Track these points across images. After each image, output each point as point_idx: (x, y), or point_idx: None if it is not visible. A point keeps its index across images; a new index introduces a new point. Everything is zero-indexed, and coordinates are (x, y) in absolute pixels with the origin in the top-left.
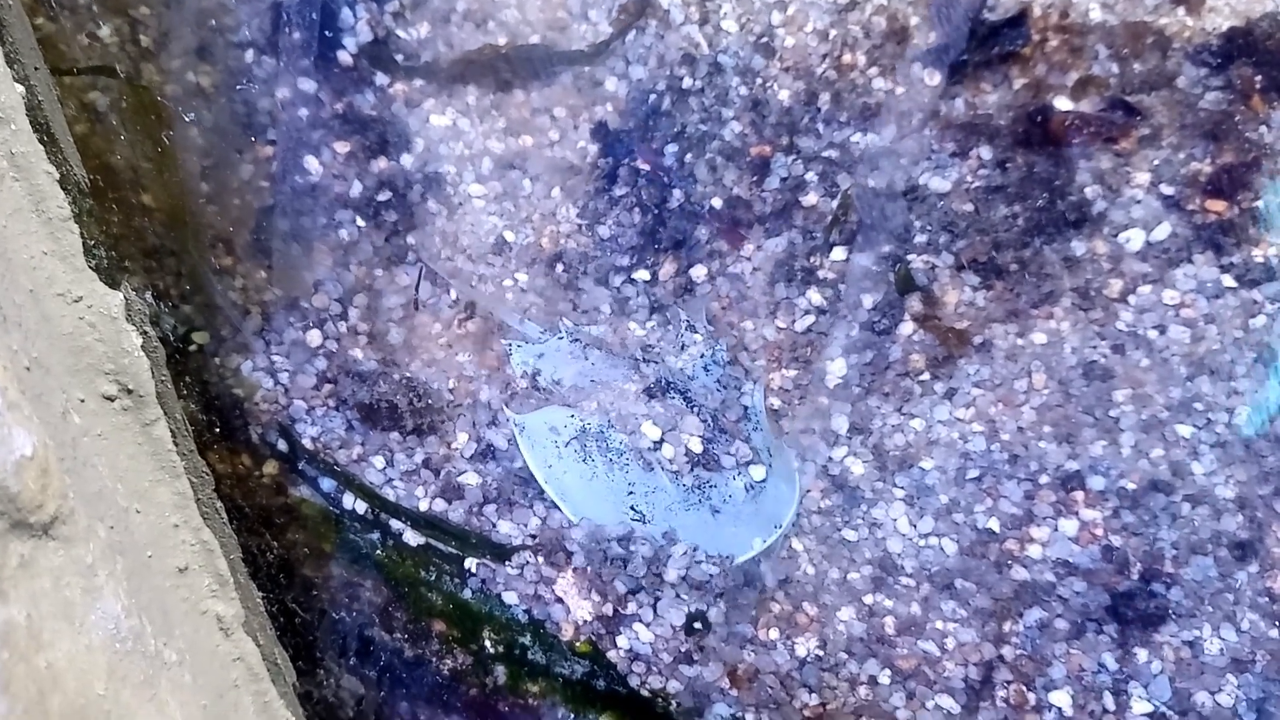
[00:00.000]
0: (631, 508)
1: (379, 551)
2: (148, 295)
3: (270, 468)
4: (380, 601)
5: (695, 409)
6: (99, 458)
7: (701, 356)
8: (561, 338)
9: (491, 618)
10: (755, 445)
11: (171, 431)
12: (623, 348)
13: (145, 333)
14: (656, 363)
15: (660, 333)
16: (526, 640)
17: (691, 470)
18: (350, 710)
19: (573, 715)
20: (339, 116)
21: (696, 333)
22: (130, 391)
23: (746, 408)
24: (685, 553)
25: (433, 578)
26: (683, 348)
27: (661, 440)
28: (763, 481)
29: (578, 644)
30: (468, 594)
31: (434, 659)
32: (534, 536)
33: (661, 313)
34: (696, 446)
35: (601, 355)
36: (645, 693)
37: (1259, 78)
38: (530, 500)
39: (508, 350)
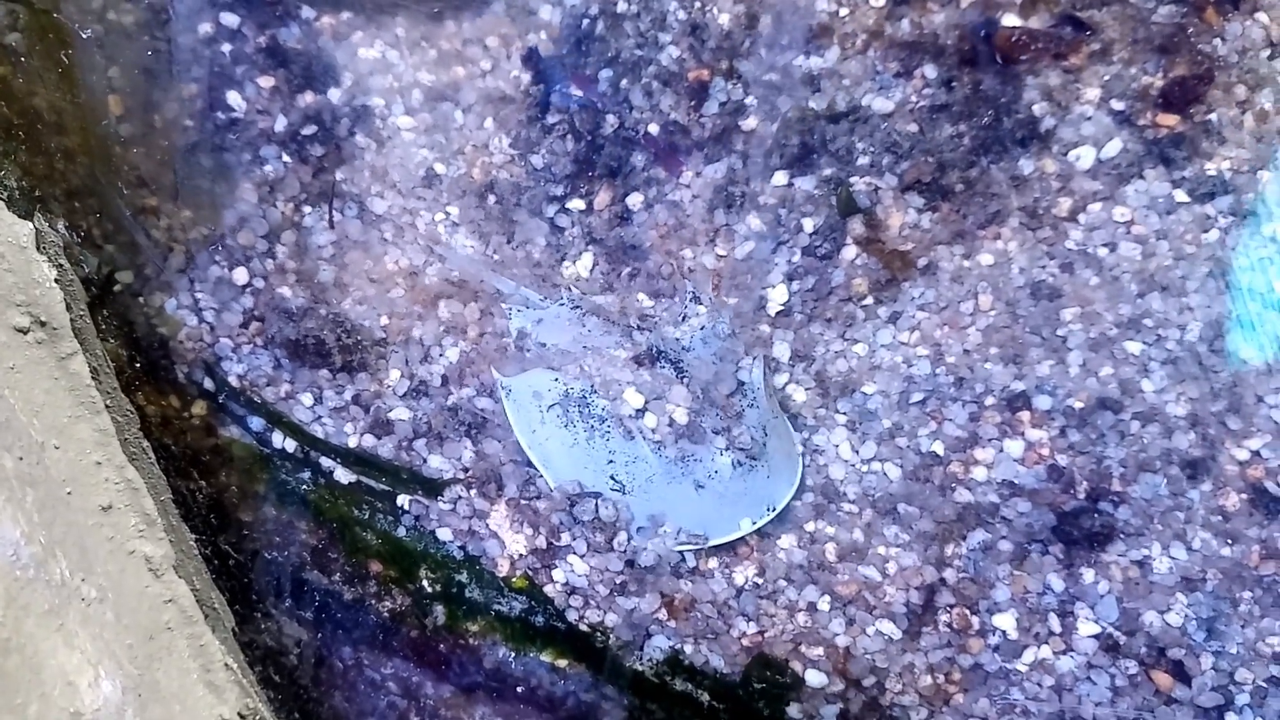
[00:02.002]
0: (611, 477)
1: (311, 491)
2: (60, 226)
3: (198, 408)
4: (316, 543)
5: (685, 380)
6: (10, 390)
7: (701, 329)
8: (562, 304)
9: (427, 555)
10: (750, 422)
11: (92, 369)
12: (622, 315)
13: (61, 265)
14: (651, 331)
15: (664, 303)
16: (463, 578)
17: (676, 442)
18: (293, 656)
19: (513, 653)
20: (263, 50)
21: (701, 304)
22: (44, 324)
23: (743, 383)
24: (648, 527)
25: (366, 516)
26: (684, 318)
27: (645, 409)
28: (754, 459)
29: (514, 579)
30: (402, 532)
31: (373, 600)
32: (466, 470)
33: (602, 246)
34: (681, 418)
35: (599, 322)
36: (584, 627)
37: None
38: (460, 434)
39: (508, 314)
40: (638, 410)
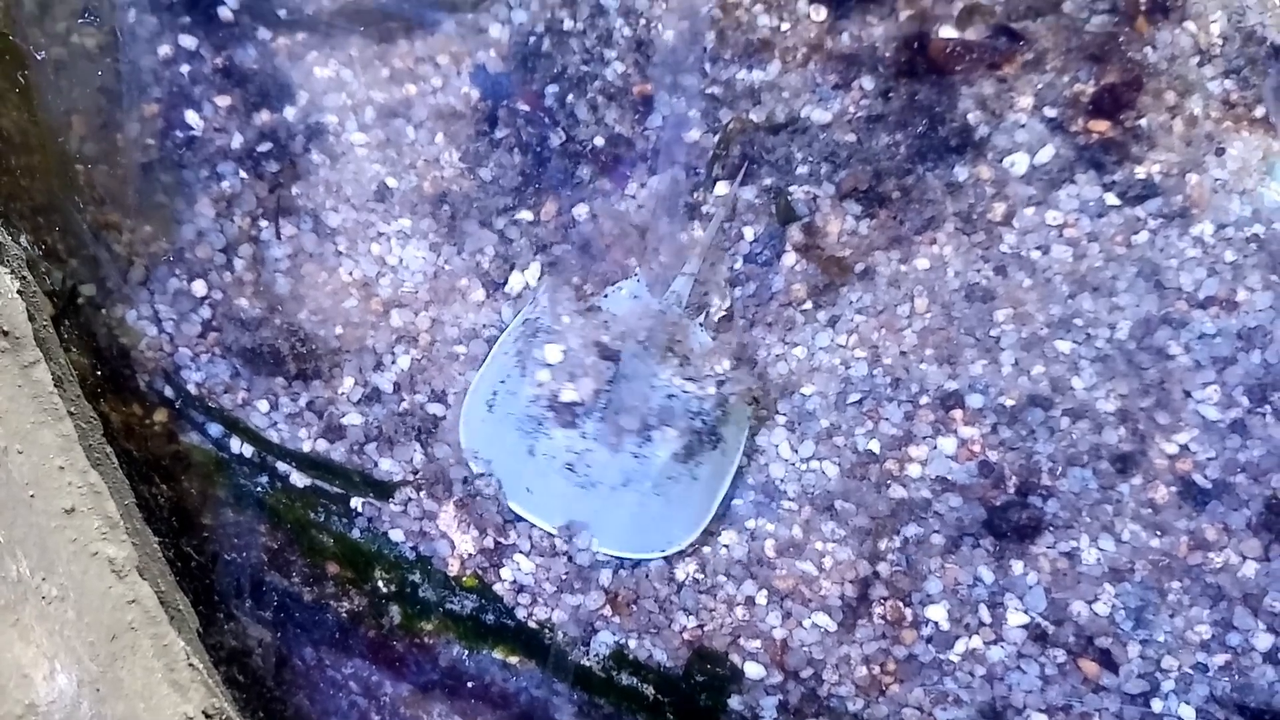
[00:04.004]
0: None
1: (269, 495)
2: (24, 240)
3: (160, 415)
4: (275, 545)
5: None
6: None
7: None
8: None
9: (381, 556)
10: (660, 421)
11: (55, 377)
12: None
13: (24, 278)
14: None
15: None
16: (416, 578)
17: (585, 435)
18: (257, 657)
19: (467, 651)
20: (220, 71)
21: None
22: (6, 334)
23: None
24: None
25: (322, 519)
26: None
27: (553, 392)
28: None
29: (464, 578)
30: (356, 534)
31: (331, 601)
32: (415, 472)
33: (549, 255)
34: (575, 396)
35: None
36: (532, 624)
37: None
38: (410, 438)
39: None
40: (538, 395)
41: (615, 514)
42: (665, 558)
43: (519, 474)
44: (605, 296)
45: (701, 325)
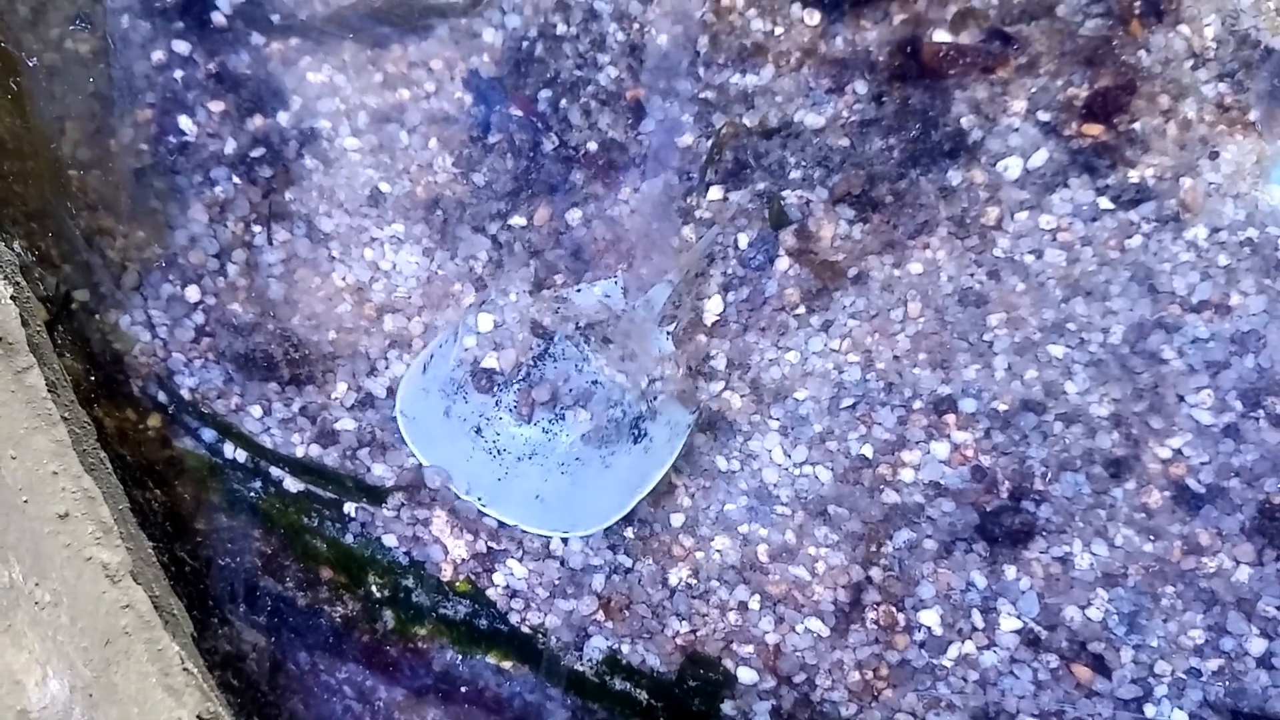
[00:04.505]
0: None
1: (262, 500)
2: (17, 246)
3: (154, 420)
4: (268, 550)
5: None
6: None
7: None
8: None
9: (374, 561)
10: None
11: (49, 382)
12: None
13: (17, 283)
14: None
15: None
16: (410, 583)
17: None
18: (251, 661)
19: (460, 656)
20: (213, 76)
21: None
22: (0, 339)
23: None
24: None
25: (315, 524)
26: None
27: (475, 358)
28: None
29: (458, 583)
30: (350, 539)
31: (325, 606)
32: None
33: (542, 260)
34: (495, 364)
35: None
36: (526, 629)
37: (1138, 3)
38: (403, 442)
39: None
40: (463, 360)
41: (517, 484)
42: (564, 539)
43: (434, 433)
44: (578, 291)
45: (669, 334)
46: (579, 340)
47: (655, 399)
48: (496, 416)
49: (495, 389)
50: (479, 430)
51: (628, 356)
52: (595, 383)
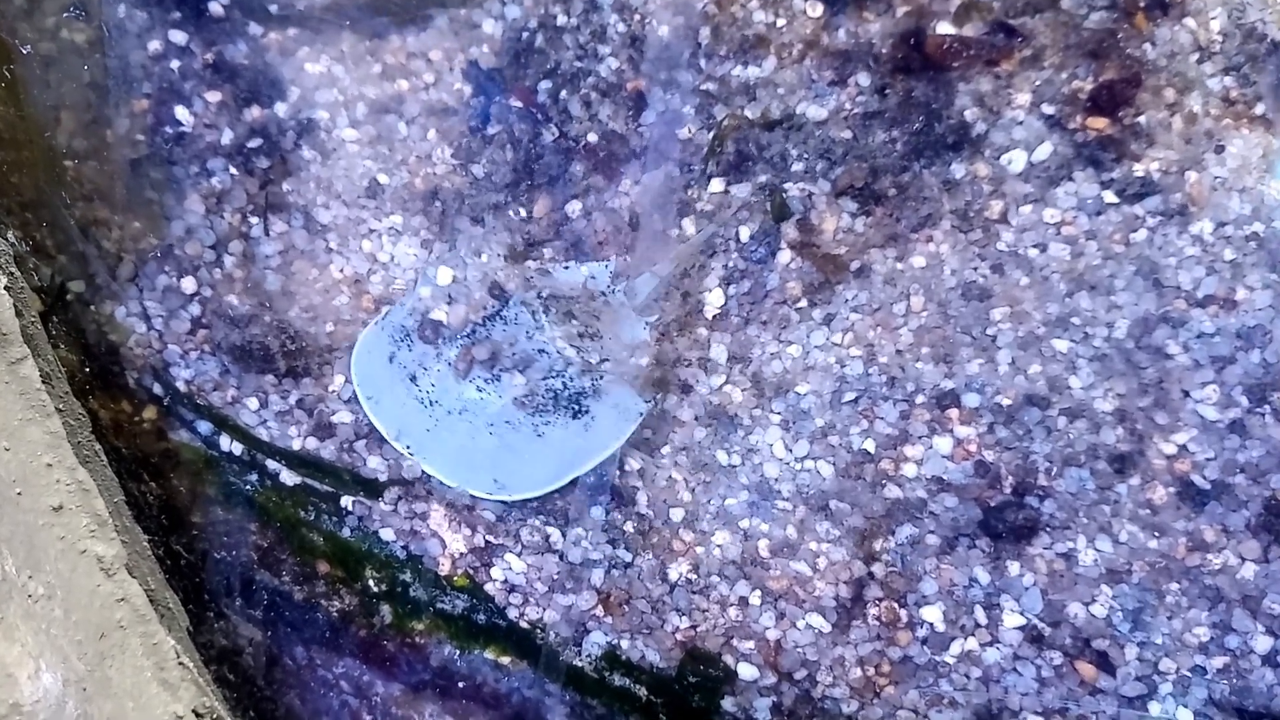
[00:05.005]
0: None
1: (259, 493)
2: (11, 236)
3: (149, 412)
4: (265, 543)
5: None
6: None
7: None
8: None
9: (372, 555)
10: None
11: (44, 374)
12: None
13: (11, 274)
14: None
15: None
16: (407, 577)
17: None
18: (248, 656)
19: (458, 651)
20: (210, 66)
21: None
22: None
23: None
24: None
25: (312, 517)
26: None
27: (426, 308)
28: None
29: (455, 578)
30: (347, 532)
31: (322, 600)
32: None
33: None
34: (443, 318)
35: None
36: (524, 624)
37: None
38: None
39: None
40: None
41: (445, 437)
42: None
43: (375, 377)
44: (565, 268)
45: (648, 324)
46: (537, 308)
47: (601, 378)
48: (435, 368)
49: (440, 341)
50: (414, 378)
51: (588, 335)
52: (541, 351)
